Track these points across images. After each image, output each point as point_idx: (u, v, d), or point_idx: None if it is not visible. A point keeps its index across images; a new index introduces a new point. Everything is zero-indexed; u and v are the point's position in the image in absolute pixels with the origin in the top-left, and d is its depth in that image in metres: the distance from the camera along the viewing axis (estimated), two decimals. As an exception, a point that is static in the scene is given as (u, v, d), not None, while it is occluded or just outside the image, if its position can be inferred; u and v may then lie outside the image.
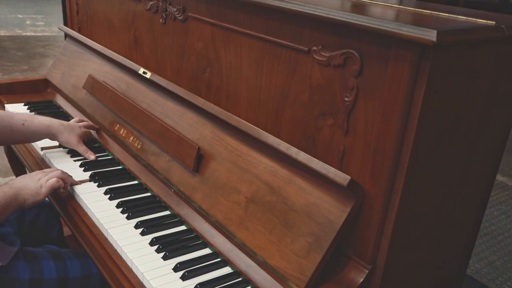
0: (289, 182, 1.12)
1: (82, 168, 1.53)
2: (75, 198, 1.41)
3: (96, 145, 1.70)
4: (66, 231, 1.71)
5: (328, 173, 1.04)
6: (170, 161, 1.42)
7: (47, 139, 1.61)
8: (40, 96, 2.12)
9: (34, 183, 1.31)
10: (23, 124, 1.52)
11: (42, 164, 1.61)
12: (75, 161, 1.58)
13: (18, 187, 1.28)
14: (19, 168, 2.15)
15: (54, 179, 1.33)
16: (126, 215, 1.31)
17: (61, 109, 1.98)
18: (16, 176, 2.17)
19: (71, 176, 1.42)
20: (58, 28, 2.22)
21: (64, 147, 1.64)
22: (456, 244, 1.31)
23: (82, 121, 1.73)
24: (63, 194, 1.43)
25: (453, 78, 0.96)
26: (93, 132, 1.73)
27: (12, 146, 1.85)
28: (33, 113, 1.90)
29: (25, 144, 1.72)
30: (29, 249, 1.31)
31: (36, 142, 1.65)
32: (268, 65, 1.22)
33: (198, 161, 1.32)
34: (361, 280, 1.05)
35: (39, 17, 7.92)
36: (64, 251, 1.37)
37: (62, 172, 1.39)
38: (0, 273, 1.20)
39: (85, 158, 1.58)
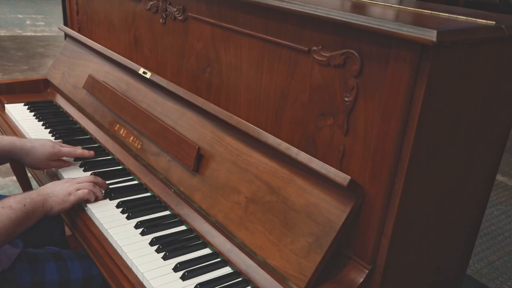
0: (289, 182, 1.12)
1: (82, 168, 1.53)
2: (75, 198, 1.41)
3: (96, 145, 1.70)
4: (68, 230, 1.71)
5: (328, 173, 1.04)
6: (170, 161, 1.42)
7: None
8: (40, 96, 2.12)
9: (63, 191, 1.29)
10: None
11: (42, 164, 1.60)
12: (74, 160, 1.57)
13: (46, 193, 1.27)
14: (19, 168, 2.15)
15: (86, 191, 1.32)
16: (126, 215, 1.31)
17: (61, 109, 1.98)
18: (16, 176, 2.17)
19: (105, 182, 1.40)
20: (58, 28, 2.22)
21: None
22: (456, 244, 1.31)
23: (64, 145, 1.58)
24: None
25: (453, 78, 0.96)
26: (92, 131, 1.73)
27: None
28: (32, 113, 1.90)
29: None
30: (30, 251, 1.30)
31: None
32: (268, 65, 1.22)
33: (198, 161, 1.32)
34: (361, 280, 1.05)
35: (39, 17, 7.91)
36: (66, 253, 1.36)
37: (94, 177, 1.38)
38: (2, 275, 1.20)
39: (85, 158, 1.58)
